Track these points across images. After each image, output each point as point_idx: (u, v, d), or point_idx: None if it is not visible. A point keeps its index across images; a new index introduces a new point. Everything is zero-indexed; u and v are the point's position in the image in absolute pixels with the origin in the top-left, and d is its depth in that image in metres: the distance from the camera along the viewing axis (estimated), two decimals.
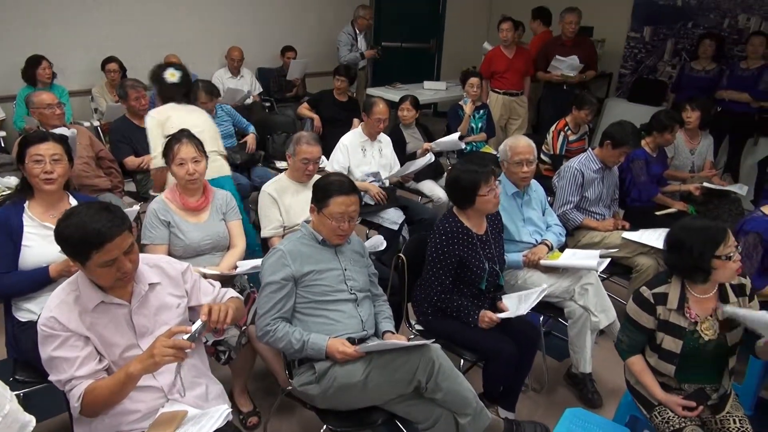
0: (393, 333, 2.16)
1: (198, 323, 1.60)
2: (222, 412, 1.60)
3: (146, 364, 1.52)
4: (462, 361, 2.41)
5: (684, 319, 1.93)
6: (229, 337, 2.28)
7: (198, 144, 2.50)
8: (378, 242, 2.76)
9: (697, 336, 1.92)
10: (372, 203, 3.49)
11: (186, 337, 1.55)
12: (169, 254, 2.44)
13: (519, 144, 2.74)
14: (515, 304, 2.47)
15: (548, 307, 2.74)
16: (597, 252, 2.70)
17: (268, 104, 6.12)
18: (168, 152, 2.47)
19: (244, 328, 2.28)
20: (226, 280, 2.43)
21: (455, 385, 1.90)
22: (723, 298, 1.96)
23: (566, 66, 5.17)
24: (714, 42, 5.11)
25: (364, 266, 2.23)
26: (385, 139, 3.76)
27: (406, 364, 1.87)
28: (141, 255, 1.78)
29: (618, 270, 3.21)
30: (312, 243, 2.12)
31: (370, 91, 5.96)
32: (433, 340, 1.96)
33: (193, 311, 1.84)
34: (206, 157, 2.54)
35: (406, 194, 4.10)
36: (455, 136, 4.10)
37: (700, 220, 1.96)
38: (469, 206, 2.36)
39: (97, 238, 1.49)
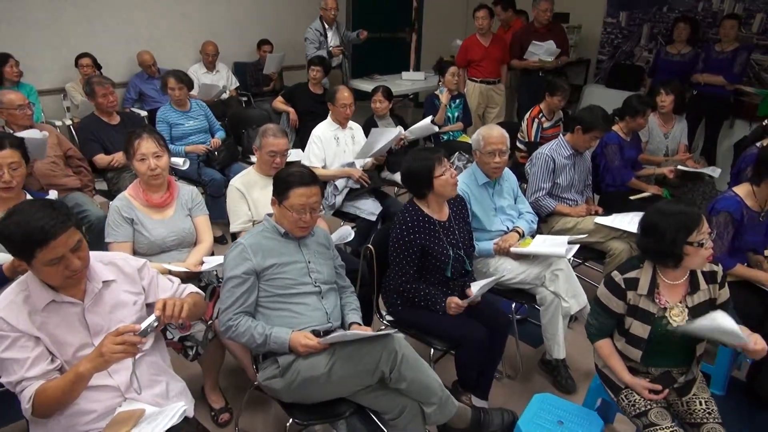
0: (359, 324, 2.14)
1: (150, 319, 1.57)
2: (178, 409, 1.58)
3: (96, 362, 1.49)
4: (432, 350, 2.39)
5: (653, 305, 1.93)
6: (195, 333, 2.26)
7: (159, 139, 2.46)
8: (345, 234, 2.74)
9: (666, 322, 1.92)
10: (357, 186, 3.50)
11: (138, 333, 1.52)
12: (134, 252, 2.41)
13: (492, 134, 2.72)
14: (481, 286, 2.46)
15: (520, 294, 2.74)
16: (565, 238, 2.70)
17: (245, 99, 6.06)
18: (128, 148, 2.43)
19: (210, 322, 2.26)
20: (193, 276, 2.40)
21: (419, 374, 1.89)
22: (694, 284, 1.95)
23: (544, 51, 5.15)
24: (688, 25, 5.12)
25: (330, 258, 2.21)
26: (356, 126, 3.74)
27: (369, 355, 1.86)
28: (95, 252, 1.75)
29: (592, 255, 3.21)
30: (274, 236, 2.09)
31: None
32: (396, 330, 1.94)
33: (151, 308, 1.80)
34: (168, 152, 2.50)
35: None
36: (427, 120, 4.08)
37: (675, 205, 1.94)
38: (429, 192, 2.35)
39: (40, 236, 1.45)
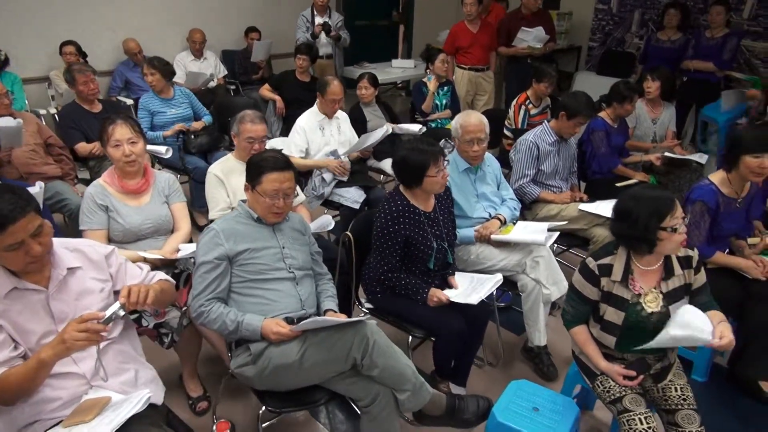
0: (335, 312, 2.12)
1: (114, 306, 1.55)
2: (142, 396, 1.56)
3: (57, 349, 1.47)
4: (410, 337, 2.37)
5: (628, 291, 1.91)
6: (170, 319, 2.23)
7: (134, 125, 2.43)
8: (325, 222, 2.71)
9: (640, 308, 1.90)
10: (344, 179, 3.48)
11: (101, 321, 1.50)
12: (109, 239, 2.39)
13: (470, 122, 2.69)
14: (467, 285, 2.44)
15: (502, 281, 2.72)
16: (545, 225, 2.68)
17: (233, 87, 6.00)
18: (103, 134, 2.39)
19: (184, 309, 2.23)
20: (169, 264, 2.38)
21: (391, 361, 1.87)
22: (668, 270, 1.93)
23: (533, 38, 5.11)
24: (679, 12, 5.08)
25: (305, 244, 2.18)
26: (342, 116, 3.70)
27: (341, 342, 1.84)
28: (61, 239, 1.73)
29: (576, 241, 3.19)
30: (248, 221, 2.07)
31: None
32: (369, 316, 1.93)
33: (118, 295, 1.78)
34: (144, 138, 2.47)
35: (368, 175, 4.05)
36: (416, 127, 4.05)
37: (649, 190, 1.92)
38: (417, 186, 2.31)
39: None
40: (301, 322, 1.87)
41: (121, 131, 2.38)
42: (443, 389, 2.50)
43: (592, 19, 6.31)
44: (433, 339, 2.38)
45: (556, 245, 3.27)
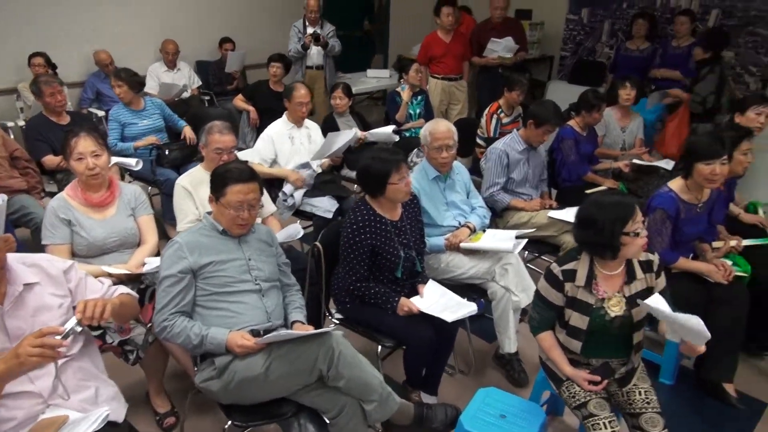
0: (302, 323, 2.11)
1: (72, 321, 1.52)
2: (100, 414, 1.53)
3: (10, 364, 1.43)
4: (380, 347, 2.37)
5: (591, 296, 1.93)
6: (135, 336, 2.21)
7: (98, 137, 2.40)
8: (294, 232, 2.70)
9: (604, 313, 1.92)
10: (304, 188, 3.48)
11: (59, 336, 1.47)
12: (73, 254, 2.35)
13: (438, 129, 2.71)
14: (438, 297, 2.43)
15: (471, 289, 2.73)
16: (513, 233, 2.71)
17: (207, 98, 5.97)
18: (65, 147, 2.36)
19: (149, 325, 2.20)
20: (134, 279, 2.35)
21: (358, 371, 1.87)
22: (630, 274, 1.96)
23: (503, 48, 5.20)
24: (646, 21, 5.19)
25: (272, 255, 2.17)
26: (312, 125, 3.70)
27: (306, 354, 1.83)
28: (19, 254, 1.69)
29: (546, 248, 3.22)
30: (212, 233, 2.05)
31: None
32: (335, 327, 1.92)
33: None
34: (108, 150, 2.44)
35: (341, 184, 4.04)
36: (389, 128, 4.06)
37: (610, 196, 1.95)
38: (380, 195, 2.32)
39: None
40: (266, 335, 1.86)
41: (84, 144, 2.35)
42: (414, 398, 2.49)
43: (563, 29, 6.42)
44: (403, 348, 2.38)
45: (526, 252, 3.31)
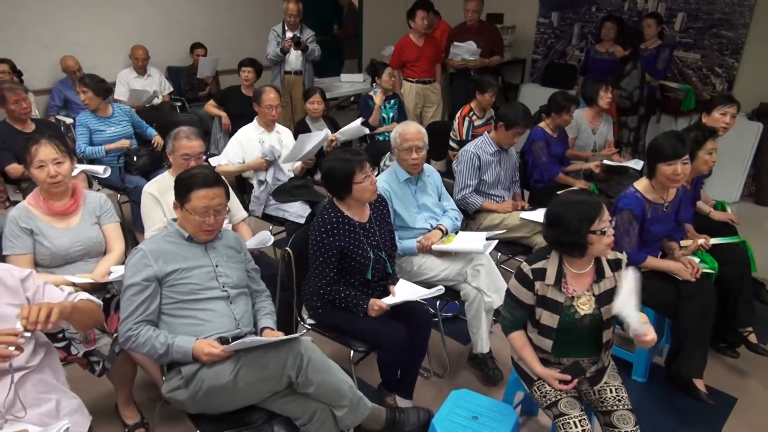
0: (272, 329, 2.08)
1: (17, 327, 1.47)
2: (60, 427, 1.49)
3: None
4: (352, 352, 2.35)
5: (561, 295, 1.94)
6: (100, 347, 2.16)
7: (59, 144, 2.34)
8: (264, 239, 2.67)
9: (573, 311, 1.94)
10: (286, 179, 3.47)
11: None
12: (36, 264, 2.28)
13: (408, 131, 2.71)
14: (408, 294, 2.43)
15: (444, 291, 2.72)
16: (484, 234, 2.71)
17: (179, 104, 5.90)
18: (25, 155, 2.30)
19: (115, 335, 2.15)
20: (99, 288, 2.29)
21: (327, 377, 1.85)
22: (599, 273, 1.97)
23: (465, 51, 5.26)
24: (615, 24, 5.27)
25: (240, 261, 2.14)
26: (283, 130, 3.67)
27: (274, 360, 1.81)
28: None
29: (519, 249, 3.24)
30: (178, 240, 2.01)
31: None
32: (304, 332, 1.90)
33: None
34: (71, 157, 2.38)
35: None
36: (358, 122, 4.06)
37: (576, 195, 1.97)
38: (347, 195, 2.31)
39: None
40: (234, 343, 1.83)
41: (45, 151, 2.29)
42: (390, 402, 2.48)
43: (534, 32, 6.49)
44: (377, 351, 2.37)
45: (499, 254, 3.33)
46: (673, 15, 5.46)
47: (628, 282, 1.87)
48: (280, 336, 1.86)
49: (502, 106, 3.30)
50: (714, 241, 2.88)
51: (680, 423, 2.56)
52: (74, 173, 3.45)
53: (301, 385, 1.82)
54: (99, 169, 3.57)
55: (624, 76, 4.90)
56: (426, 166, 2.87)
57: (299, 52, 5.38)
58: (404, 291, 2.45)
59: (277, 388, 1.84)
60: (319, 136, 3.49)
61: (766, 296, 3.00)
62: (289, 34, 5.32)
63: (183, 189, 1.97)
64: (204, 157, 2.81)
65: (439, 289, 2.38)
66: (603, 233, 1.86)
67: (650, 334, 1.81)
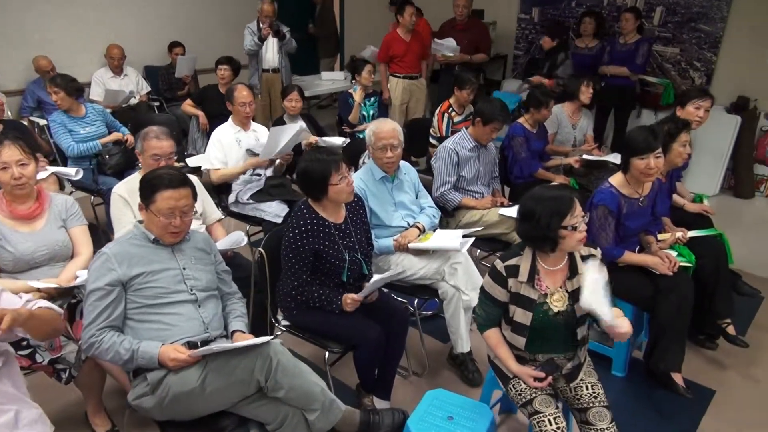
0: (243, 332, 2.03)
1: None
2: None
3: None
4: (327, 353, 2.31)
5: (534, 291, 1.91)
6: (66, 354, 2.10)
7: (23, 146, 2.27)
8: (238, 239, 2.61)
9: (547, 308, 1.91)
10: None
11: None
12: None
13: (383, 129, 2.67)
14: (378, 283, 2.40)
15: (423, 289, 2.70)
16: (461, 232, 2.68)
17: (157, 104, 5.81)
18: None
19: (80, 342, 2.09)
20: (65, 293, 2.23)
21: (298, 380, 1.81)
22: (573, 269, 1.95)
23: (444, 48, 5.27)
24: (593, 19, 5.27)
25: (210, 263, 2.09)
26: (260, 128, 3.62)
27: (243, 364, 1.76)
28: None
29: (498, 246, 3.21)
30: (144, 243, 1.96)
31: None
32: (273, 336, 1.86)
33: None
34: (35, 159, 2.32)
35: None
36: (340, 140, 4.03)
37: (549, 190, 1.94)
38: (323, 197, 2.26)
39: None
40: (200, 348, 1.78)
41: (8, 152, 2.22)
42: (367, 403, 2.45)
43: (515, 28, 6.48)
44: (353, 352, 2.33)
45: (479, 250, 3.30)
46: (652, 9, 5.48)
47: (591, 274, 1.84)
48: (248, 340, 1.82)
49: (479, 102, 3.28)
50: (691, 233, 2.88)
51: (659, 417, 2.55)
52: (44, 175, 3.39)
53: (270, 389, 1.78)
54: (70, 171, 3.50)
55: (558, 66, 5.02)
56: (402, 163, 2.84)
57: (276, 48, 5.35)
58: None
59: (246, 392, 1.80)
60: (292, 129, 3.42)
61: (743, 287, 3.01)
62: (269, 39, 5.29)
63: (148, 190, 1.91)
64: (176, 158, 2.74)
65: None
66: (574, 229, 1.84)
67: (624, 327, 1.79)
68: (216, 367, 1.77)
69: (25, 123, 4.80)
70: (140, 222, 2.02)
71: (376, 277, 2.33)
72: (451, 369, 2.83)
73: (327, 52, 7.41)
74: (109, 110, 5.14)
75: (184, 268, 1.98)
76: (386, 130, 2.64)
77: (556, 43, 5.10)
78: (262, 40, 5.28)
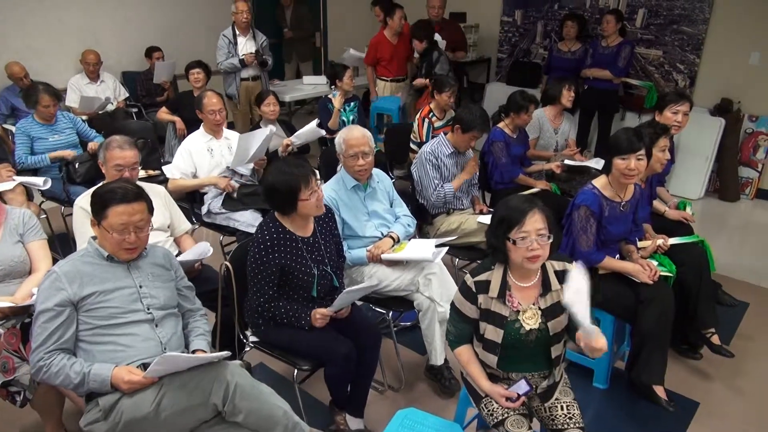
0: (204, 351, 1.94)
1: None
2: None
3: None
4: (296, 371, 2.23)
5: (505, 308, 1.83)
6: (20, 376, 2.01)
7: None
8: (203, 250, 2.52)
9: (519, 326, 1.83)
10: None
11: None
12: None
13: (352, 135, 2.59)
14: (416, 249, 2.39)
15: (398, 301, 2.62)
16: (434, 242, 2.61)
17: (135, 110, 5.70)
18: None
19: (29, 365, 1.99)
20: (20, 312, 2.13)
21: (258, 403, 1.72)
22: (546, 285, 1.86)
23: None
24: (575, 23, 5.23)
25: (170, 280, 1.99)
26: (233, 135, 3.52)
27: (198, 388, 1.68)
28: None
29: (478, 255, 3.13)
30: (97, 260, 1.86)
31: None
32: (230, 354, 1.77)
33: None
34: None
35: None
36: (313, 123, 3.93)
37: (514, 199, 1.84)
38: (292, 212, 2.17)
39: None
40: (156, 360, 1.68)
41: None
42: (340, 421, 2.37)
43: (498, 31, 6.43)
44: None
45: (457, 259, 3.23)
46: (634, 11, 5.45)
47: (578, 275, 1.74)
48: (204, 356, 1.72)
49: (459, 109, 3.21)
50: (672, 241, 2.82)
51: (643, 430, 2.48)
52: (11, 185, 3.29)
53: (228, 413, 1.70)
54: (38, 181, 3.39)
55: (435, 65, 5.00)
56: (376, 171, 2.76)
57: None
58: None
59: (203, 417, 1.71)
60: (262, 133, 3.33)
61: (723, 297, 2.96)
62: (241, 40, 5.13)
63: (99, 205, 1.82)
64: (140, 168, 2.65)
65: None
66: (516, 243, 1.74)
67: (600, 342, 1.70)
68: (171, 391, 1.68)
69: None
70: (94, 238, 1.92)
71: (346, 290, 2.25)
72: (428, 381, 2.75)
73: (303, 56, 7.27)
74: (85, 117, 5.08)
75: (140, 286, 1.89)
76: (356, 137, 2.56)
77: (425, 44, 5.05)
78: (244, 65, 5.12)
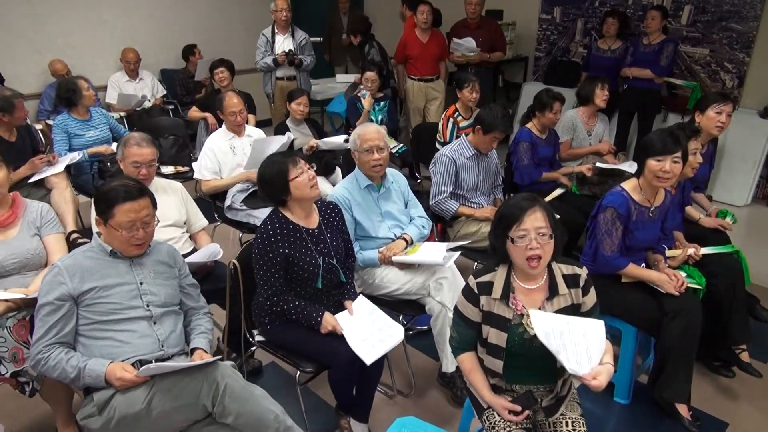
0: (204, 350, 1.94)
1: None
2: None
3: None
4: (298, 372, 2.20)
5: (508, 310, 1.75)
6: (28, 367, 2.04)
7: None
8: (213, 251, 2.52)
9: (522, 330, 1.74)
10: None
11: None
12: None
13: (367, 131, 2.55)
14: (365, 315, 2.26)
15: (409, 305, 2.56)
16: (445, 245, 2.53)
17: (171, 107, 5.82)
18: None
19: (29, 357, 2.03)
20: (32, 303, 2.17)
21: (248, 406, 1.70)
22: (552, 289, 1.77)
23: (464, 48, 5.13)
24: (617, 19, 5.03)
25: (172, 277, 2.00)
26: (255, 131, 3.53)
27: (189, 388, 1.67)
28: None
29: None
30: (100, 256, 1.88)
31: None
32: (220, 357, 1.75)
33: None
34: (6, 166, 2.28)
35: None
36: (341, 138, 3.90)
37: (519, 197, 1.77)
38: (287, 196, 2.17)
39: None
40: (144, 367, 1.69)
41: None
42: (344, 425, 2.33)
43: (536, 29, 6.25)
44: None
45: (476, 263, 3.14)
46: (680, 8, 5.18)
47: (542, 323, 1.64)
48: (194, 361, 1.72)
49: (481, 109, 3.11)
50: (705, 250, 2.65)
51: None
52: (57, 170, 3.42)
53: (218, 414, 1.68)
54: (76, 156, 3.61)
55: (368, 56, 5.20)
56: (390, 170, 2.70)
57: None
58: (362, 312, 2.28)
59: (194, 417, 1.70)
60: (278, 141, 3.34)
61: (761, 313, 2.76)
62: (279, 38, 5.16)
63: (104, 204, 1.83)
64: (157, 164, 2.68)
65: (396, 342, 2.17)
66: (515, 242, 1.67)
67: (596, 382, 1.59)
68: (162, 390, 1.68)
69: (41, 126, 4.86)
70: (98, 234, 1.94)
71: (365, 306, 2.25)
72: (440, 389, 2.68)
73: (337, 60, 7.24)
74: (123, 114, 5.23)
75: (141, 283, 1.89)
76: (370, 131, 2.53)
77: (360, 38, 5.24)
78: (277, 65, 5.13)
